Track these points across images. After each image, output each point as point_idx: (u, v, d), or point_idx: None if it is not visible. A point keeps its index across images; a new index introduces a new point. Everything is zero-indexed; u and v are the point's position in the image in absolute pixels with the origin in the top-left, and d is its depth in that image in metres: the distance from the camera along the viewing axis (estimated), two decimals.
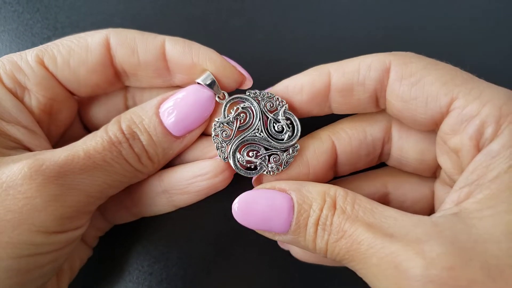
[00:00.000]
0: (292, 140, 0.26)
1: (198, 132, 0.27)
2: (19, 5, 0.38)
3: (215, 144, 0.26)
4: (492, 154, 0.21)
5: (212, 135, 0.26)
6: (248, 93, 0.27)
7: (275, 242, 0.33)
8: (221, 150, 0.26)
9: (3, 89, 0.25)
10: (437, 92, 0.23)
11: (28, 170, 0.22)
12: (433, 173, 0.28)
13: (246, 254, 0.34)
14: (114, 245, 0.33)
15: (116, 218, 0.30)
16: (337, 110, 0.27)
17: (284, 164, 0.26)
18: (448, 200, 0.22)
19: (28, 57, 0.26)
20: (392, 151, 0.28)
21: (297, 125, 0.27)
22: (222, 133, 0.26)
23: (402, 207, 0.29)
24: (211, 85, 0.26)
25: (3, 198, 0.22)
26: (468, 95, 0.22)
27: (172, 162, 0.28)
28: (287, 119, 0.27)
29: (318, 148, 0.27)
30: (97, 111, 0.30)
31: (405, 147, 0.28)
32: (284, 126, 0.26)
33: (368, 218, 0.22)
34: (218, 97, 0.27)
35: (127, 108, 0.30)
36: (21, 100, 0.26)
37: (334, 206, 0.23)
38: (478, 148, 0.22)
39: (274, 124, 0.27)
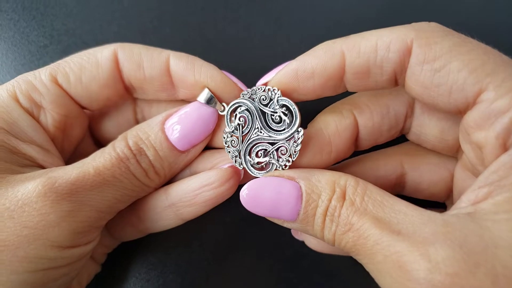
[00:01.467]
0: (293, 126, 0.25)
1: (202, 146, 0.28)
2: (15, 13, 0.38)
3: (229, 154, 0.27)
4: None
5: (225, 147, 0.27)
6: (242, 95, 0.27)
7: (272, 247, 0.34)
8: (235, 159, 0.27)
9: (20, 110, 0.26)
10: (463, 81, 0.20)
11: (42, 188, 0.23)
12: (454, 153, 0.27)
13: (244, 260, 0.34)
14: (111, 252, 0.33)
15: (123, 235, 0.31)
16: (352, 89, 0.25)
17: (293, 154, 0.25)
18: (465, 199, 0.21)
19: (42, 76, 0.27)
20: (413, 126, 0.27)
21: (294, 109, 0.25)
22: (231, 143, 0.27)
23: (418, 188, 0.28)
24: (210, 103, 0.27)
25: (19, 214, 0.22)
26: (499, 87, 0.20)
27: (179, 177, 0.29)
28: (283, 106, 0.26)
29: (340, 124, 0.26)
30: (107, 126, 0.31)
31: (426, 123, 0.26)
32: (280, 115, 0.26)
33: (377, 211, 0.21)
34: (220, 110, 0.27)
35: (136, 121, 0.31)
36: (37, 119, 0.27)
37: (343, 196, 0.22)
38: (505, 148, 0.20)
39: (272, 116, 0.26)
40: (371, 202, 0.22)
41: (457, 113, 0.23)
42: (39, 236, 0.23)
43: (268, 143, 0.26)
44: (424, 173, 0.28)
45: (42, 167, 0.26)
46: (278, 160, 0.26)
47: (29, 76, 0.27)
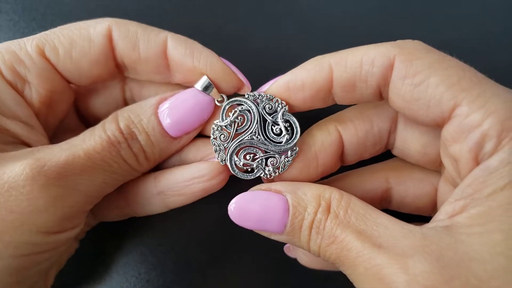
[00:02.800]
0: (290, 143, 0.26)
1: (195, 133, 0.27)
2: (15, 14, 0.38)
3: (214, 147, 0.26)
4: (489, 169, 0.20)
5: (211, 138, 0.26)
6: (247, 96, 0.26)
7: (270, 248, 0.33)
8: (219, 153, 0.26)
9: (3, 82, 0.25)
10: (440, 96, 0.21)
11: (30, 171, 0.22)
12: (436, 166, 0.28)
13: (242, 260, 0.34)
14: (110, 253, 0.33)
15: (106, 216, 0.30)
16: (341, 102, 0.26)
17: (281, 167, 0.26)
18: (443, 211, 0.22)
19: (28, 47, 0.25)
20: (396, 141, 0.28)
21: (296, 127, 0.26)
22: (220, 136, 0.26)
23: (403, 202, 0.29)
24: (208, 91, 0.26)
25: (5, 199, 0.22)
26: (472, 103, 0.21)
27: (168, 162, 0.29)
28: (286, 121, 0.26)
29: (326, 140, 0.26)
30: (94, 102, 0.30)
31: (409, 138, 0.27)
32: (282, 128, 0.26)
33: (360, 224, 0.22)
34: (217, 100, 0.27)
35: (124, 100, 0.30)
36: (21, 94, 0.26)
37: (328, 209, 0.23)
38: (477, 161, 0.21)
39: (273, 126, 0.26)
40: (354, 215, 0.22)
41: (436, 127, 0.23)
42: (26, 221, 0.22)
43: (260, 149, 0.26)
44: (409, 188, 0.29)
45: (27, 145, 0.25)
46: (265, 169, 0.26)
47: (13, 45, 0.25)
